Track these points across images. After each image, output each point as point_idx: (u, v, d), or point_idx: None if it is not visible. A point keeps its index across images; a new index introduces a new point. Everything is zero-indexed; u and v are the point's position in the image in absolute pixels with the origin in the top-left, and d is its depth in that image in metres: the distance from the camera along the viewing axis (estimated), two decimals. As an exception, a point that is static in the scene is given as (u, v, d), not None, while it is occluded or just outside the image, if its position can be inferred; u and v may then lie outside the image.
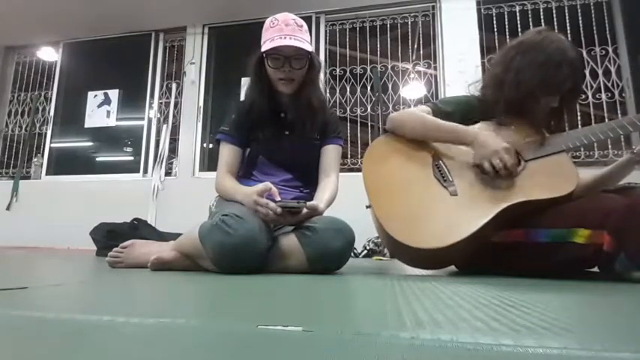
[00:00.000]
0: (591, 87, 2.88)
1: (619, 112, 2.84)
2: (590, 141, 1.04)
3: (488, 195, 1.01)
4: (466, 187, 1.05)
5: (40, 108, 3.95)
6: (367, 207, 1.13)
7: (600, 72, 2.91)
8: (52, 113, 3.84)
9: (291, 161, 1.28)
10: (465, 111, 1.17)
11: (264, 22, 1.24)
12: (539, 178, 1.02)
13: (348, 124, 3.26)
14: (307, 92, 1.24)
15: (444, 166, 1.11)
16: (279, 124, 1.28)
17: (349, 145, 3.24)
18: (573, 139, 1.05)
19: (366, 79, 3.32)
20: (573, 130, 1.09)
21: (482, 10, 3.16)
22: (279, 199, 1.06)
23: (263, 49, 1.19)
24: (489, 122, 1.14)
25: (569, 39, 1.33)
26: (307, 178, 1.30)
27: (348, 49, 3.40)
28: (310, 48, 1.20)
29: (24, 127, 3.96)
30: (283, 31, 1.17)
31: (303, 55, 1.20)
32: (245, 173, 1.30)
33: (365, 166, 1.18)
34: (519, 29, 3.09)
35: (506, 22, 3.14)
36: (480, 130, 1.09)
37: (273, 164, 1.28)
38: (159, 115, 3.69)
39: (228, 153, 1.26)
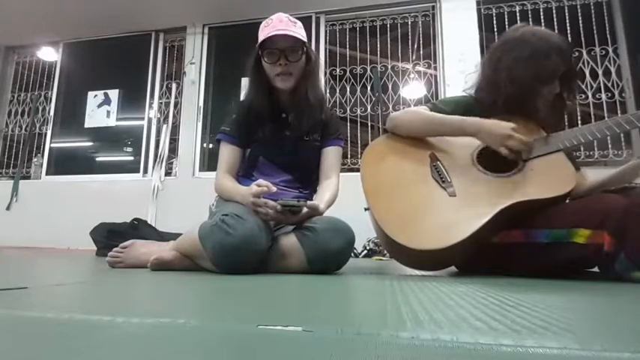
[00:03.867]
0: (591, 87, 2.88)
1: (619, 112, 2.84)
2: (587, 139, 1.04)
3: (487, 196, 1.01)
4: (464, 187, 1.05)
5: (40, 108, 3.95)
6: (365, 209, 1.13)
7: (600, 72, 2.91)
8: (52, 113, 3.84)
9: (291, 162, 1.28)
10: (464, 111, 1.17)
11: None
12: (537, 178, 1.02)
13: (348, 124, 3.26)
14: (304, 87, 1.24)
15: (442, 167, 1.11)
16: (279, 124, 1.28)
17: (349, 145, 3.24)
18: (570, 137, 1.05)
19: (366, 79, 3.32)
20: (570, 129, 1.08)
21: (482, 10, 3.16)
22: (274, 189, 1.06)
23: (258, 43, 1.19)
24: None
25: (569, 39, 1.33)
26: (307, 179, 1.31)
27: (348, 49, 3.40)
28: (304, 38, 1.20)
29: (24, 127, 3.96)
30: (277, 27, 1.17)
31: (297, 47, 1.20)
32: (245, 173, 1.30)
33: (363, 167, 1.18)
34: (519, 29, 3.09)
35: (506, 22, 3.13)
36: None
37: (273, 165, 1.28)
38: (159, 115, 3.69)
39: (228, 153, 1.26)
